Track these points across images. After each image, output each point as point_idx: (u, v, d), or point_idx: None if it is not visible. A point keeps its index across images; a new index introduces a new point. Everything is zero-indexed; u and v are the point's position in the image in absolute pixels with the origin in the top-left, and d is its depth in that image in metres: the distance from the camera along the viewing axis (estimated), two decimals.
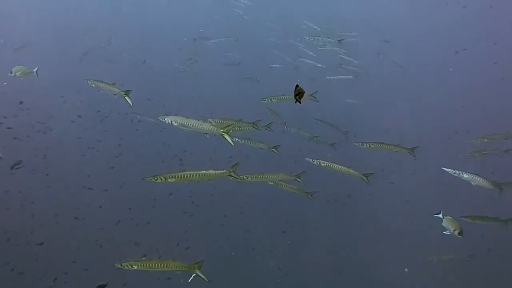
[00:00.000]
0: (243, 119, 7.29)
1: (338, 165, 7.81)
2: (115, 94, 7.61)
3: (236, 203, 14.41)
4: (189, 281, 6.17)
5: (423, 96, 21.44)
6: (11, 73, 8.99)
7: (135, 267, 5.92)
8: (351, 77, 17.97)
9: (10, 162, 12.47)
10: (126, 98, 7.57)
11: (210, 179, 5.99)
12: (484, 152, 9.90)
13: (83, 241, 12.44)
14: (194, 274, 5.99)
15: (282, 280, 13.18)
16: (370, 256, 13.75)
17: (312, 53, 18.14)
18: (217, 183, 11.10)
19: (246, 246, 13.86)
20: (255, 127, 7.37)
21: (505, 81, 20.97)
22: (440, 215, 7.04)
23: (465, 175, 7.53)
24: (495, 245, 13.17)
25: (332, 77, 17.91)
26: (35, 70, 9.14)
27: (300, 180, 7.67)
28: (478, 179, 7.52)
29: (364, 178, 7.87)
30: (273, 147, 8.63)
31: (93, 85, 7.72)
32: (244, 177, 6.81)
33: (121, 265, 5.95)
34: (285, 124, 12.25)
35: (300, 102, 4.89)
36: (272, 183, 8.03)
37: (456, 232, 6.80)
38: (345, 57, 17.13)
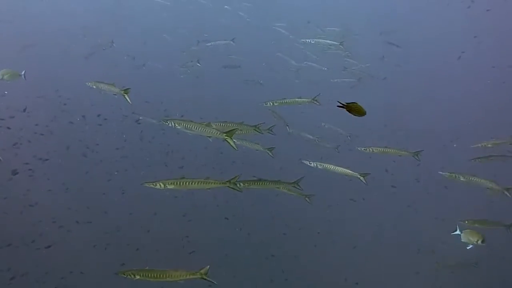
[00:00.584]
0: (244, 122, 7.20)
1: (334, 166, 7.83)
2: (115, 94, 7.82)
3: (239, 205, 14.29)
4: None
5: (428, 99, 21.37)
6: None
7: (138, 277, 5.85)
8: (353, 80, 17.96)
9: (10, 166, 12.43)
10: (126, 96, 7.74)
11: (209, 188, 5.95)
12: (491, 158, 9.73)
13: (85, 245, 12.34)
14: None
15: (285, 283, 13.06)
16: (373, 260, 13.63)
17: (315, 56, 18.12)
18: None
19: (248, 247, 13.72)
20: (257, 130, 7.28)
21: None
22: (458, 231, 6.89)
23: (461, 178, 7.47)
24: (501, 251, 13.00)
25: (336, 80, 17.87)
26: (22, 73, 9.10)
27: (298, 187, 7.52)
28: (477, 180, 7.44)
29: (361, 178, 7.85)
30: (268, 149, 8.42)
31: (94, 86, 7.93)
32: (243, 184, 6.70)
33: (124, 274, 5.89)
34: (287, 126, 12.19)
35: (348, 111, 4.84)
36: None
37: (479, 241, 6.67)
38: (350, 60, 17.08)
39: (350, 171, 7.83)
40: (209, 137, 6.53)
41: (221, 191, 13.60)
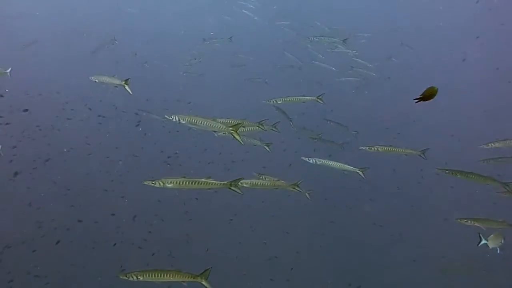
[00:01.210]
0: (247, 119, 7.07)
1: (333, 162, 7.90)
2: (116, 86, 8.11)
3: (242, 205, 14.16)
4: None
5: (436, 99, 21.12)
6: None
7: (141, 278, 5.83)
8: (358, 79, 17.82)
9: (13, 167, 12.36)
10: (126, 87, 8.02)
11: (209, 189, 5.83)
12: (500, 160, 9.48)
13: (85, 245, 12.29)
14: None
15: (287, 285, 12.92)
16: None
17: (321, 56, 17.96)
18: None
19: (251, 249, 13.60)
20: (261, 127, 7.15)
21: None
22: (484, 241, 6.74)
23: (459, 175, 7.31)
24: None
25: (342, 79, 17.74)
26: (8, 70, 9.02)
27: (299, 189, 7.24)
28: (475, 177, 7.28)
29: (360, 172, 7.88)
30: (265, 144, 8.47)
31: (96, 80, 8.20)
32: (243, 184, 6.56)
33: (126, 276, 5.87)
34: (291, 122, 12.08)
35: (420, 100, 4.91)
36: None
37: (502, 240, 6.56)
38: (357, 59, 16.93)
39: (349, 166, 7.89)
40: (215, 131, 6.46)
41: (223, 191, 13.60)
